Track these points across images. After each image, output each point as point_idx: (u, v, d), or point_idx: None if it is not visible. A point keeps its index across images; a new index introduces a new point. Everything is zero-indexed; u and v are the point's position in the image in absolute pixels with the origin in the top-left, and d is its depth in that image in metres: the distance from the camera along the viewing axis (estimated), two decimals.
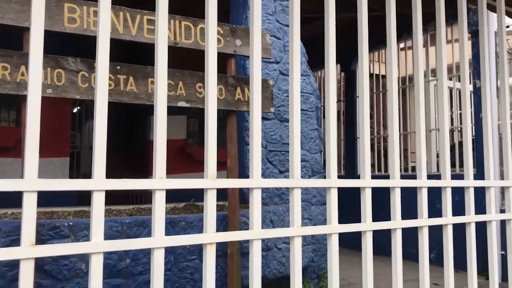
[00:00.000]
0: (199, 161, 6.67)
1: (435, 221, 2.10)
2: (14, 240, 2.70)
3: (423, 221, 2.04)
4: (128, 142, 8.43)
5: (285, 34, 4.75)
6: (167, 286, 3.13)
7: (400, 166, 1.87)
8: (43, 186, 1.22)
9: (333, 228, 1.75)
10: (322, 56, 1.86)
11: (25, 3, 2.66)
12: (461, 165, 5.66)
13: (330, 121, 1.81)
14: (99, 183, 1.30)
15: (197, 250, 3.36)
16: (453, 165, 5.83)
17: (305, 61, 4.86)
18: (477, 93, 5.56)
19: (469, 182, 2.27)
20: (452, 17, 3.47)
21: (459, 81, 6.27)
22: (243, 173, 4.09)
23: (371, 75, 7.40)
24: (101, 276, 1.28)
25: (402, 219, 1.98)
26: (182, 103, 3.20)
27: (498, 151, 4.78)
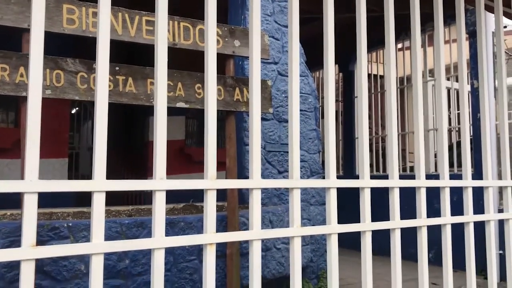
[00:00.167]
0: (197, 162, 6.69)
1: (434, 221, 2.10)
2: (13, 241, 2.70)
3: (422, 221, 2.05)
4: (127, 142, 8.43)
5: (284, 35, 4.76)
6: (167, 286, 3.13)
7: (398, 166, 1.87)
8: (44, 187, 1.22)
9: (333, 228, 1.76)
10: (320, 56, 1.86)
11: (24, 4, 2.66)
12: (459, 165, 5.68)
13: (329, 122, 1.82)
14: (99, 184, 1.30)
15: (196, 251, 3.37)
16: (451, 165, 5.85)
17: (304, 61, 4.87)
18: (474, 94, 5.58)
19: (468, 182, 2.28)
20: (450, 18, 3.49)
21: (456, 81, 6.30)
22: (242, 173, 4.09)
23: (369, 75, 7.40)
24: (102, 277, 1.28)
25: (400, 219, 1.98)
26: (181, 104, 3.20)
27: (495, 151, 4.79)
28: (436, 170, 6.34)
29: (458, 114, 6.46)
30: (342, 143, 8.08)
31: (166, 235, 1.41)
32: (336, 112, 8.00)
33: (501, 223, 2.59)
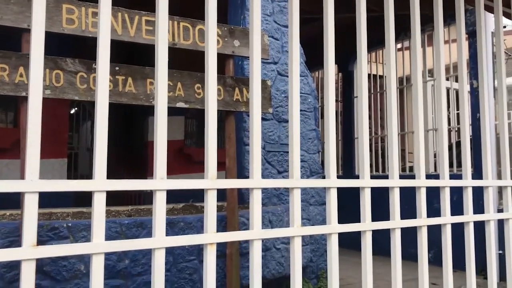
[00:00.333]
0: (197, 162, 6.70)
1: (434, 221, 2.10)
2: (12, 241, 2.70)
3: (422, 221, 2.05)
4: (127, 142, 8.43)
5: (283, 35, 4.76)
6: (166, 286, 3.12)
7: (398, 166, 1.86)
8: (44, 187, 1.22)
9: (333, 228, 1.76)
10: (320, 56, 1.86)
11: (24, 5, 2.66)
12: (459, 165, 5.69)
13: (330, 122, 1.82)
14: (100, 184, 1.30)
15: (196, 251, 3.36)
16: (450, 165, 5.85)
17: (303, 61, 4.87)
18: (474, 93, 5.59)
19: (467, 182, 2.28)
20: (449, 18, 3.49)
21: (456, 81, 6.30)
22: (242, 173, 4.09)
23: (368, 75, 7.40)
24: (102, 277, 1.28)
25: (400, 219, 1.98)
26: (181, 104, 3.20)
27: (495, 151, 4.80)
28: (436, 170, 6.34)
29: (458, 114, 6.47)
30: (341, 143, 8.09)
31: (165, 235, 1.41)
32: (336, 112, 8.00)
33: (501, 223, 2.59)
